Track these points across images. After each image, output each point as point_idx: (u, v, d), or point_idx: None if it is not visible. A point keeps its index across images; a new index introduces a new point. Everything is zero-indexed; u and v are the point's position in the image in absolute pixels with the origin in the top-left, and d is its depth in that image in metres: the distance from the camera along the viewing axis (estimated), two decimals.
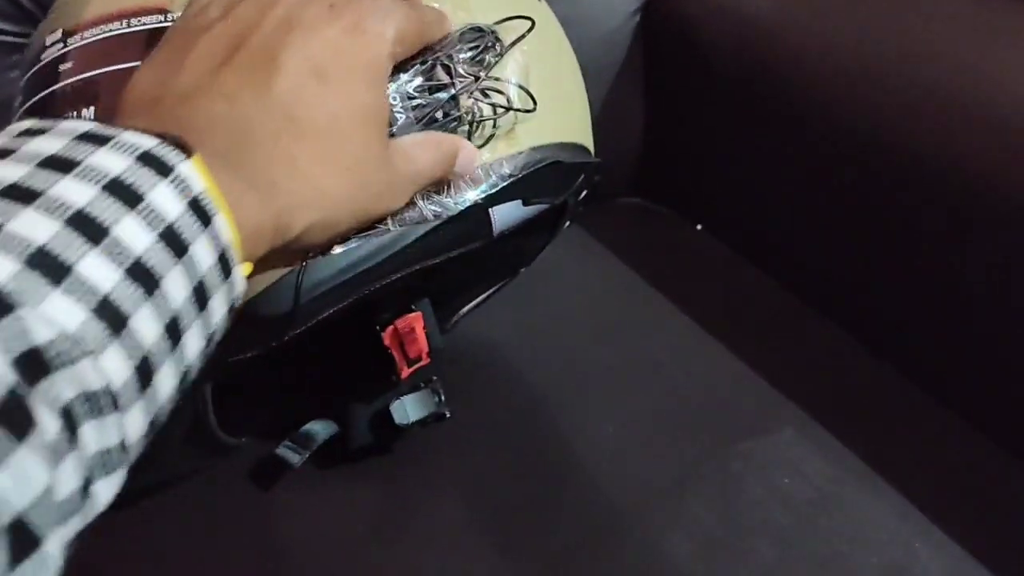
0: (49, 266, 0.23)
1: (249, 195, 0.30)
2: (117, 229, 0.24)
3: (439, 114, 0.39)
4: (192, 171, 0.27)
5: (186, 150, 0.27)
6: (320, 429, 0.54)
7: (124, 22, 0.40)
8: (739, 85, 0.72)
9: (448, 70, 0.39)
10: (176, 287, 0.26)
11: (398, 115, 0.37)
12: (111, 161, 0.25)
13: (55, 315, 0.22)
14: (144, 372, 0.25)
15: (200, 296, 0.27)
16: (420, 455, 0.55)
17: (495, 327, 0.63)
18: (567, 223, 0.56)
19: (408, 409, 0.53)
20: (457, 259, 0.44)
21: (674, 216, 0.82)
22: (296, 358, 0.51)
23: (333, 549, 0.50)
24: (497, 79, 0.41)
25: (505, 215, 0.44)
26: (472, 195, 0.41)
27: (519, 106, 0.41)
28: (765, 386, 0.59)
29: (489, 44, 0.40)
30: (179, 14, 0.39)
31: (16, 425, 0.20)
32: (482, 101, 0.40)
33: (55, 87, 0.41)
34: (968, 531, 0.50)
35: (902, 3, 0.67)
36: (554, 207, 0.48)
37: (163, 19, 0.40)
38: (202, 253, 0.27)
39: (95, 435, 0.23)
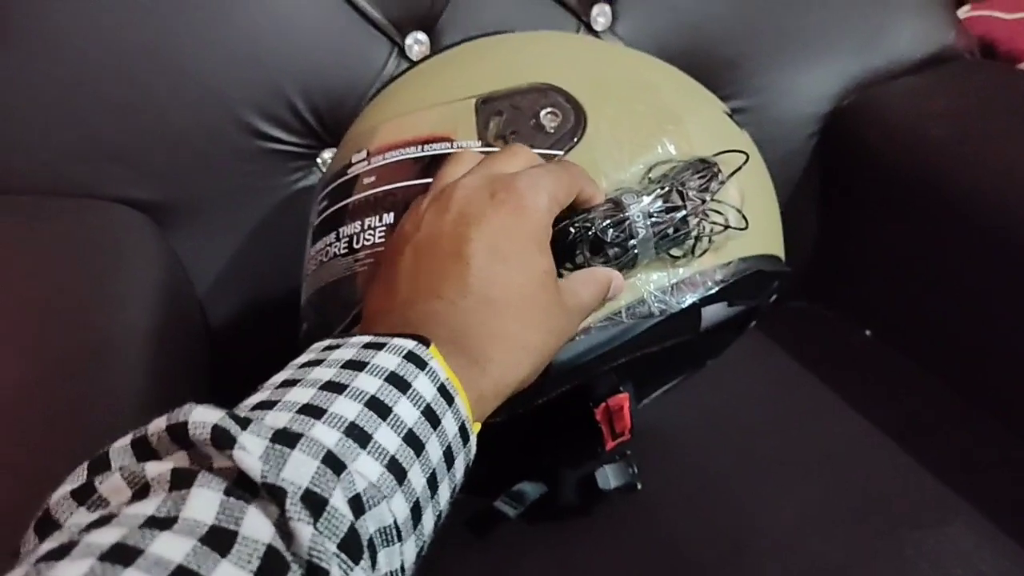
0: (357, 435, 0.32)
1: (473, 371, 0.37)
2: (396, 408, 0.33)
3: (671, 230, 0.47)
4: (438, 365, 0.36)
5: (429, 345, 0.36)
6: (530, 489, 0.61)
7: (419, 147, 0.50)
8: (914, 203, 0.78)
9: (681, 195, 0.47)
10: (433, 450, 0.35)
11: (640, 230, 0.46)
12: (387, 360, 0.35)
13: (364, 470, 0.31)
14: (416, 512, 0.34)
15: (448, 457, 0.35)
16: (611, 520, 0.62)
17: (677, 411, 0.70)
18: (753, 323, 0.63)
19: (610, 476, 0.60)
20: (663, 350, 0.52)
21: (841, 320, 0.87)
22: (516, 425, 0.59)
23: None
24: (719, 202, 0.49)
25: (712, 314, 0.51)
26: (691, 297, 0.48)
27: (735, 225, 0.49)
28: (934, 480, 0.63)
29: (714, 173, 0.49)
30: (464, 143, 0.49)
31: (353, 552, 0.29)
32: (706, 220, 0.48)
33: (360, 195, 0.51)
34: None
35: None
36: (749, 309, 0.56)
37: (450, 146, 0.50)
38: (449, 425, 0.36)
39: (385, 560, 0.32)
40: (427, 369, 0.35)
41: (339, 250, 0.51)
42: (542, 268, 0.40)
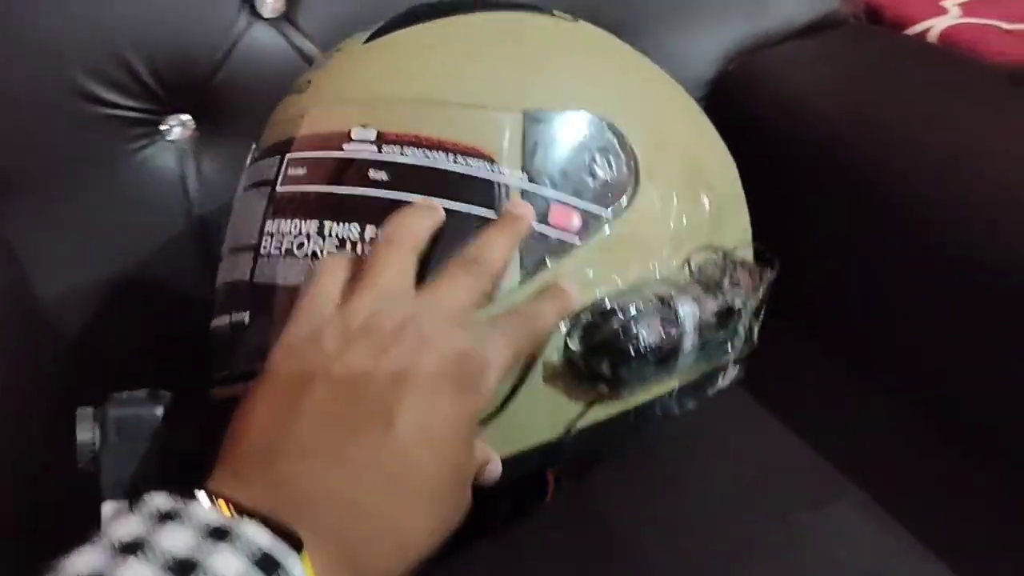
0: None
1: (339, 566, 0.30)
2: None
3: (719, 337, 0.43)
4: (301, 572, 0.28)
5: (298, 546, 0.28)
6: None
7: (452, 157, 0.41)
8: (805, 174, 0.75)
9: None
10: None
11: (688, 342, 0.41)
12: (231, 565, 0.27)
13: None
14: None
15: None
16: None
17: None
18: None
19: None
20: None
21: None
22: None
23: None
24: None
25: None
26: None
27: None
28: (823, 463, 0.61)
29: (766, 266, 0.46)
30: (505, 170, 0.41)
31: None
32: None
33: (366, 191, 0.41)
34: None
35: (953, 94, 0.73)
36: None
37: (489, 169, 0.41)
38: None
39: None
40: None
41: (319, 247, 0.41)
42: (461, 463, 0.35)
